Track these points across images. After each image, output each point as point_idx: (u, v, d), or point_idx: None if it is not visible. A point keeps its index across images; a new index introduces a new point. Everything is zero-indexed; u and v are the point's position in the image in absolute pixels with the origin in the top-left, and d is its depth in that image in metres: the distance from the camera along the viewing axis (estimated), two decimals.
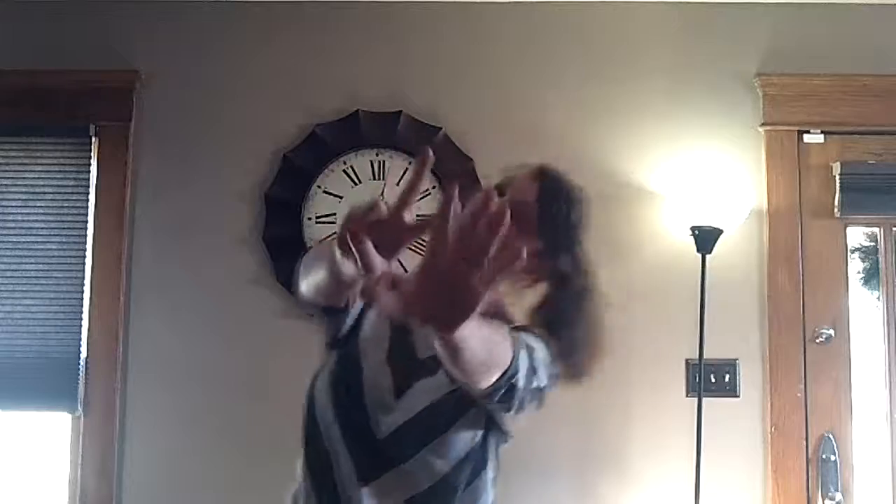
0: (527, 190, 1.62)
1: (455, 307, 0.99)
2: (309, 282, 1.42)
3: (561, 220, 1.62)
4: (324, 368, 1.60)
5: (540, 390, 1.44)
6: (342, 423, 1.52)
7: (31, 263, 2.90)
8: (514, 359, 1.30)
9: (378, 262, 1.10)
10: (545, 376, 1.44)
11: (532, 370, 1.38)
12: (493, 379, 1.28)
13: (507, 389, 1.32)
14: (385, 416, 1.50)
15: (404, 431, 1.49)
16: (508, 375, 1.30)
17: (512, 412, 1.41)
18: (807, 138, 2.93)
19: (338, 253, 1.22)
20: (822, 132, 2.93)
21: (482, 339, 1.14)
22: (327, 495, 1.52)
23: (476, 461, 1.52)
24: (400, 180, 2.87)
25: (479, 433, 1.52)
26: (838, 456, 2.81)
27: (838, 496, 2.77)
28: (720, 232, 2.73)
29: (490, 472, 1.56)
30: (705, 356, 2.71)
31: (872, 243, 2.99)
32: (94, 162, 2.93)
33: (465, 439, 1.50)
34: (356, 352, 1.58)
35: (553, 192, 1.64)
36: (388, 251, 1.14)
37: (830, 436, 2.82)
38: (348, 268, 1.22)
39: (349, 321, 1.57)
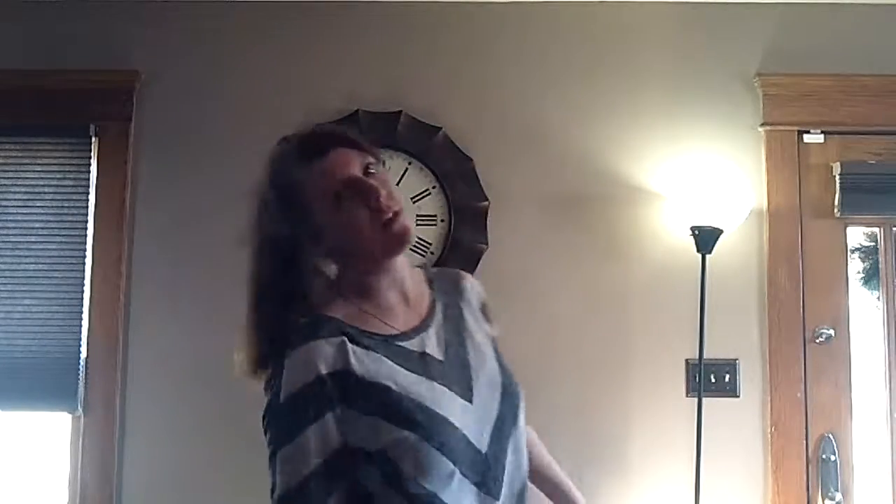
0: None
1: None
2: None
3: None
4: None
5: None
6: None
7: (31, 263, 2.90)
8: None
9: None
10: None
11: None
12: None
13: None
14: None
15: None
16: None
17: None
18: (807, 138, 2.93)
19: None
20: (822, 132, 2.93)
21: None
22: None
23: None
24: (400, 180, 2.87)
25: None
26: (838, 456, 2.81)
27: (838, 496, 2.77)
28: (720, 232, 2.73)
29: None
30: (705, 356, 2.72)
31: (872, 243, 2.99)
32: (94, 162, 2.93)
33: None
34: None
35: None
36: None
37: (830, 436, 2.82)
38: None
39: None
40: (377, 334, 1.44)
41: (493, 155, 2.89)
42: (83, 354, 2.85)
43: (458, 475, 1.35)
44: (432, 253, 2.87)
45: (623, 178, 2.90)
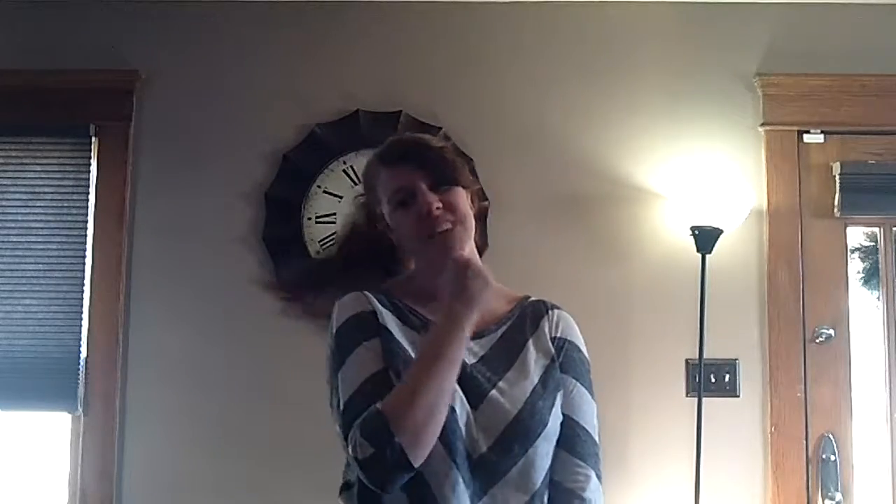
0: None
1: None
2: None
3: None
4: None
5: None
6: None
7: (31, 263, 2.90)
8: None
9: None
10: None
11: None
12: None
13: None
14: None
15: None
16: None
17: None
18: (807, 138, 2.93)
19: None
20: (822, 132, 2.93)
21: None
22: None
23: None
24: None
25: None
26: (838, 456, 2.81)
27: (838, 496, 2.77)
28: (720, 232, 2.73)
29: None
30: (705, 356, 2.72)
31: (872, 243, 2.99)
32: (94, 162, 2.93)
33: None
34: None
35: None
36: None
37: (830, 436, 2.82)
38: None
39: None
40: (416, 312, 1.59)
41: (493, 155, 2.88)
42: (83, 354, 2.85)
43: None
44: None
45: (623, 178, 2.90)
